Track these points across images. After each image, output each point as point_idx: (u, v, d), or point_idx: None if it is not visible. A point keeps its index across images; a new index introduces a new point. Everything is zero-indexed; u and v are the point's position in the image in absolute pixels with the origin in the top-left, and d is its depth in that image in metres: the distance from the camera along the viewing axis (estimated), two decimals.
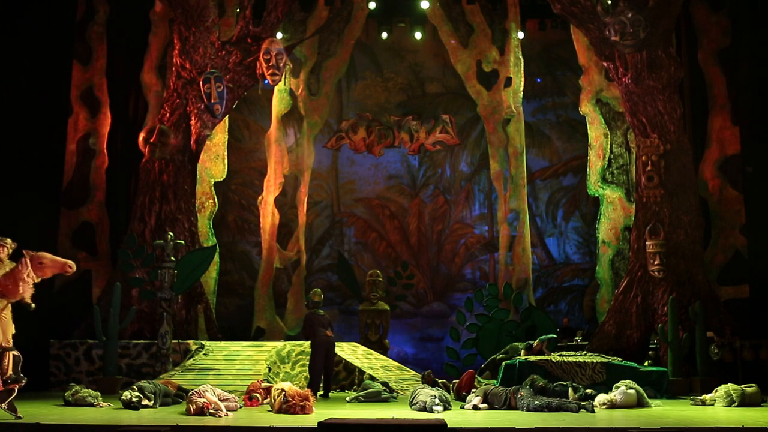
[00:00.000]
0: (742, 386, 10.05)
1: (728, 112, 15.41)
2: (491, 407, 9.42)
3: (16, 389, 8.25)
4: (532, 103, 19.18)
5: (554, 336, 12.58)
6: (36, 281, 8.45)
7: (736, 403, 9.77)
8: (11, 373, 8.26)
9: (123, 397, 9.30)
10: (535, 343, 12.26)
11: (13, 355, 8.37)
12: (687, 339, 12.51)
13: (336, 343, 12.21)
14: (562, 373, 10.81)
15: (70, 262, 8.72)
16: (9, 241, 8.46)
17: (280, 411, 8.75)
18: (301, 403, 8.73)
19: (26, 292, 8.36)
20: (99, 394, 9.93)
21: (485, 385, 10.36)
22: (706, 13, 15.70)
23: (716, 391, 10.13)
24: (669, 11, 14.37)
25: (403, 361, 16.13)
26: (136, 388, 9.45)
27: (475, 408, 9.33)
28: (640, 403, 9.72)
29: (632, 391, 9.74)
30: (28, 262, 8.38)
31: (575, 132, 18.87)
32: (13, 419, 7.85)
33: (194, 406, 8.65)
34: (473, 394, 9.79)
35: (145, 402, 9.33)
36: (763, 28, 14.28)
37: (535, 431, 7.22)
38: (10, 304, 8.38)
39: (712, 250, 15.03)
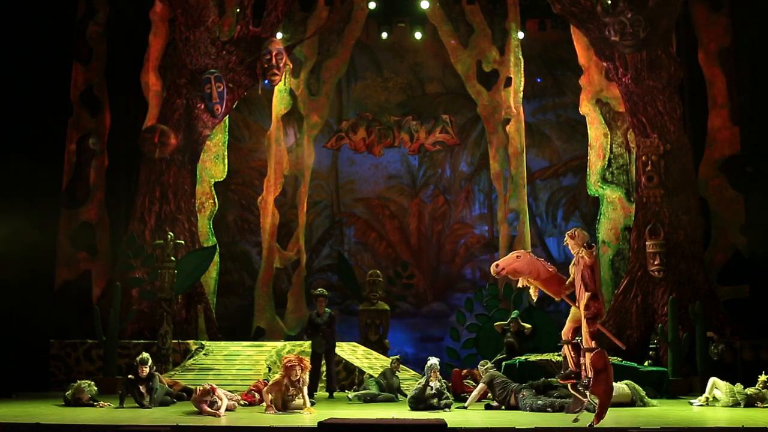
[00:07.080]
0: (747, 389, 9.98)
1: (728, 112, 15.39)
2: (493, 394, 9.69)
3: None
4: (532, 103, 19.15)
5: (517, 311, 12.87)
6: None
7: (741, 405, 9.74)
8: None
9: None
10: (511, 324, 12.52)
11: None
12: (687, 339, 12.50)
13: (336, 343, 12.26)
14: None
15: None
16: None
17: (285, 371, 9.01)
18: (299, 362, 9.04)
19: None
20: (96, 389, 10.00)
21: (493, 370, 10.31)
22: (706, 12, 15.67)
23: (715, 391, 10.12)
24: (669, 11, 14.37)
25: (403, 361, 16.10)
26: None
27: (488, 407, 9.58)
28: (633, 400, 9.77)
29: (623, 385, 9.78)
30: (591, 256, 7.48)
31: (575, 132, 18.85)
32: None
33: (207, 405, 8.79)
34: (482, 380, 10.00)
35: (145, 401, 9.34)
36: (763, 28, 14.27)
37: (535, 431, 7.22)
38: None
39: (712, 250, 15.01)
